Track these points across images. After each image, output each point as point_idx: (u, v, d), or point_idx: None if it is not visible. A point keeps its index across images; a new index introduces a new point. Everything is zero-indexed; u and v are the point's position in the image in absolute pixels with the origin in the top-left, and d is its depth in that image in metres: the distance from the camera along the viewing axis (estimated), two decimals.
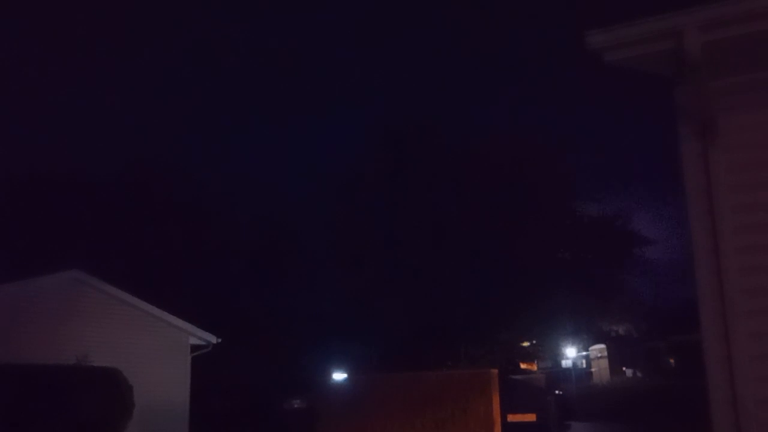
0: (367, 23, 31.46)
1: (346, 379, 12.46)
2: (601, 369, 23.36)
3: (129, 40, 30.87)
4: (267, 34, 33.69)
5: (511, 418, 10.54)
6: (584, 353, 24.47)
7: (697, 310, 2.70)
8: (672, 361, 21.35)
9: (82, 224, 17.52)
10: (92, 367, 8.41)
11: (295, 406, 13.34)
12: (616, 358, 23.24)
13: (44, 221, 17.26)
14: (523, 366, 20.79)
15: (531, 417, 11.03)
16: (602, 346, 23.57)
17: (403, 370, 11.81)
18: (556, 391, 13.28)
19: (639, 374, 22.02)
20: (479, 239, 16.41)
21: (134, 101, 31.74)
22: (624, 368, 23.16)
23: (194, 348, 11.56)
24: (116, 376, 8.21)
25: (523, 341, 21.30)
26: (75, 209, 17.86)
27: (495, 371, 9.65)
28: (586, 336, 23.82)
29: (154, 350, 10.69)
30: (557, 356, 24.74)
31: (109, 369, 8.27)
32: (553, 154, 18.24)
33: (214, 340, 11.76)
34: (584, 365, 24.26)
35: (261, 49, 33.85)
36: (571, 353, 24.69)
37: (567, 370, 23.44)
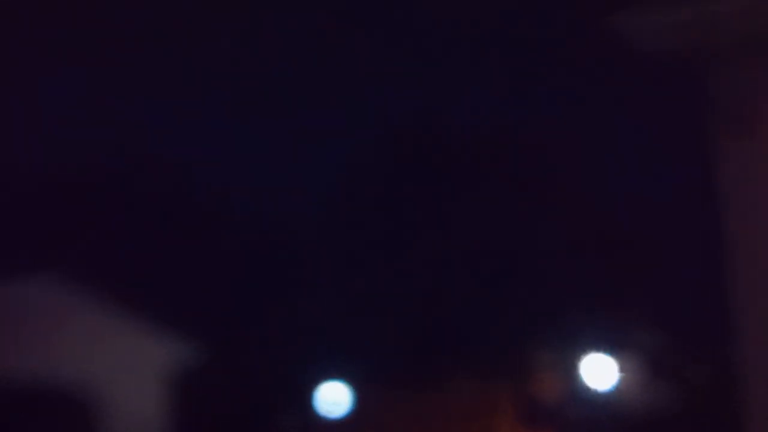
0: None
1: (347, 393, 12.24)
2: (625, 381, 22.99)
3: (125, 31, 30.78)
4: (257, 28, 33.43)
5: None
6: (607, 364, 24.08)
7: (732, 314, 2.52)
8: (701, 372, 20.93)
9: (62, 224, 16.91)
10: (51, 383, 7.86)
11: (292, 419, 13.15)
12: (638, 369, 22.86)
13: (18, 219, 16.67)
14: (541, 380, 20.46)
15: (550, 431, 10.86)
16: (624, 356, 23.23)
17: (411, 384, 11.60)
18: (577, 404, 13.05)
19: (662, 386, 21.65)
20: (491, 246, 16.21)
21: (128, 96, 31.61)
22: (646, 379, 22.79)
23: (178, 361, 11.09)
24: (80, 392, 7.78)
25: (540, 353, 20.97)
26: (53, 209, 17.39)
27: (513, 385, 9.45)
28: (608, 347, 23.44)
29: (134, 363, 10.06)
30: (577, 368, 24.37)
31: (73, 384, 7.80)
32: (565, 149, 18.01)
33: (200, 352, 11.26)
34: (607, 377, 23.88)
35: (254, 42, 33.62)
36: (592, 364, 24.29)
37: (587, 382, 23.04)
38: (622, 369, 22.73)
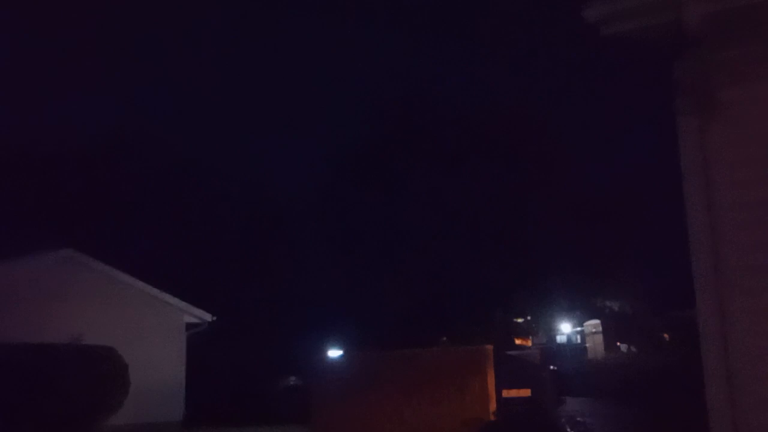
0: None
1: (341, 357, 12.49)
2: (595, 344, 23.53)
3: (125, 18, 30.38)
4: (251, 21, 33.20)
5: (506, 393, 10.58)
6: (579, 329, 24.61)
7: (693, 286, 2.67)
8: (666, 336, 21.51)
9: (75, 201, 17.43)
10: (87, 345, 8.38)
11: (291, 383, 13.38)
12: (610, 334, 23.40)
13: (36, 197, 17.14)
14: (518, 342, 20.91)
15: (526, 392, 11.07)
16: (597, 321, 23.71)
17: (398, 347, 11.87)
18: (551, 367, 13.35)
19: (633, 349, 22.20)
20: (474, 216, 16.43)
21: (130, 78, 31.36)
22: (618, 343, 23.32)
23: (189, 326, 11.54)
24: (111, 354, 8.19)
25: (517, 317, 21.41)
26: (68, 185, 17.76)
27: (490, 347, 9.68)
28: (581, 312, 23.96)
29: (149, 328, 10.66)
30: (552, 332, 24.90)
31: (104, 347, 8.25)
32: (550, 127, 18.28)
33: (209, 318, 11.75)
34: (579, 341, 24.42)
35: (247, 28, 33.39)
36: (565, 329, 24.81)
37: (562, 345, 23.58)
38: (597, 332, 23.20)
